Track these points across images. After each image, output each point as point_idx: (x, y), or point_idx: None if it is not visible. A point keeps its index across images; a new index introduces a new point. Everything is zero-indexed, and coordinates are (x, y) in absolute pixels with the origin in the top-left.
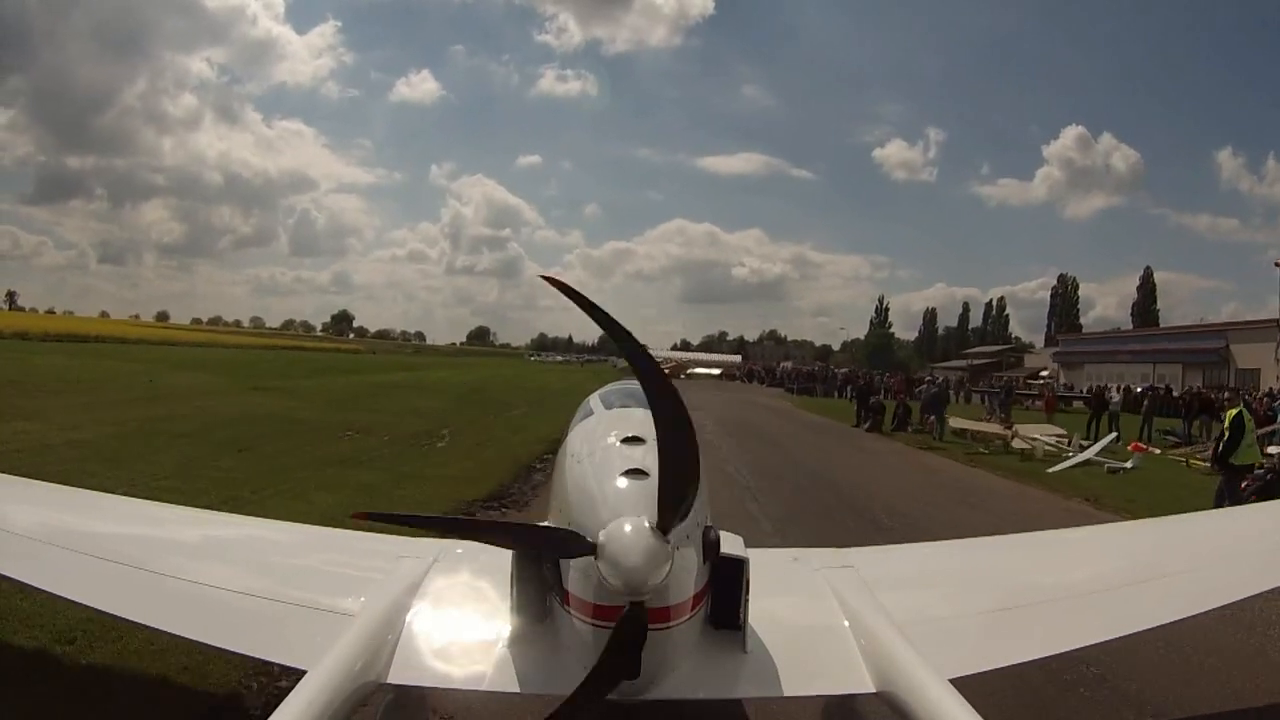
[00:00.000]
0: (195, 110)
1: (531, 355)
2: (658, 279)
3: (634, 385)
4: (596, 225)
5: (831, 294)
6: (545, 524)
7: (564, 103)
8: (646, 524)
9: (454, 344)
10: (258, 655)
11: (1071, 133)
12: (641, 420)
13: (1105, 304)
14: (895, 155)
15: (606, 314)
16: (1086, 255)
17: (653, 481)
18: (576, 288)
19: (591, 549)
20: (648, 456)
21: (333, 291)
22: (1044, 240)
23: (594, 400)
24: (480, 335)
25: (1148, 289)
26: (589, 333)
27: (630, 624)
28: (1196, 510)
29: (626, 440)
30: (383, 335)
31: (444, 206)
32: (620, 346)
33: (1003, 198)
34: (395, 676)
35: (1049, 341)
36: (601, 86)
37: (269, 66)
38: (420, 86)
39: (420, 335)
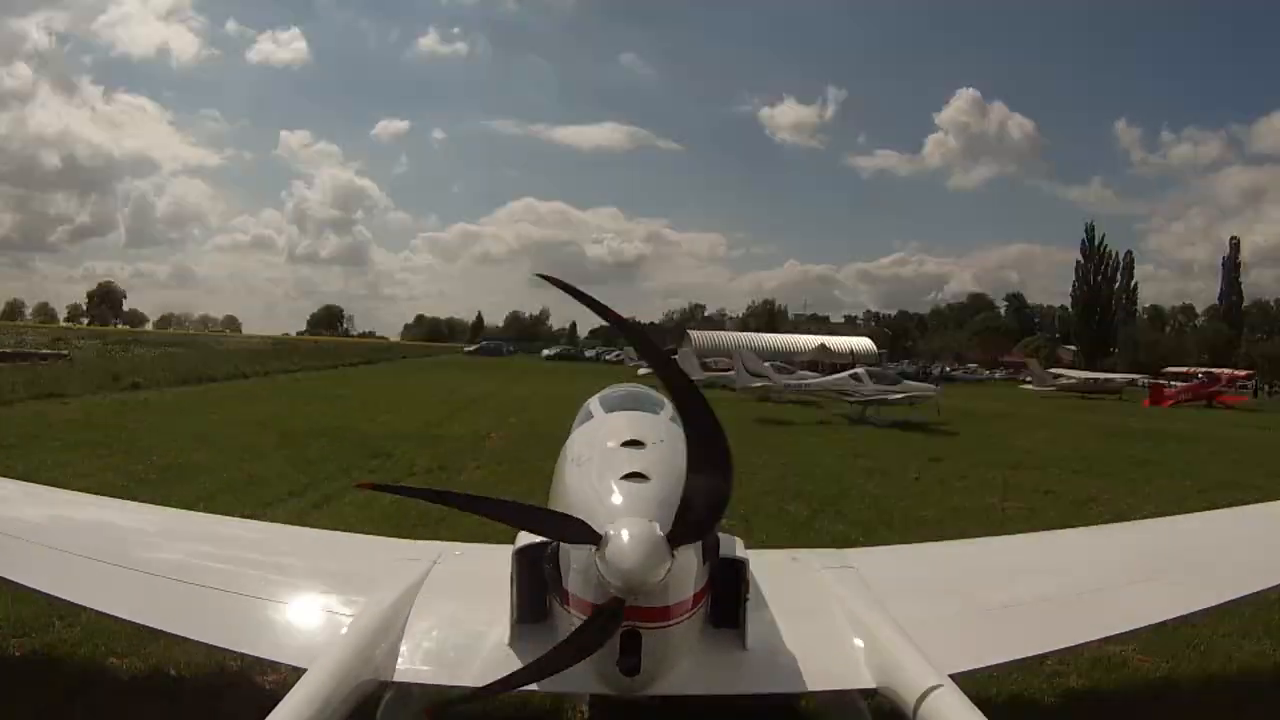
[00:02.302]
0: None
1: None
2: (505, 261)
3: (635, 388)
4: (448, 205)
5: (686, 274)
6: (540, 549)
7: (439, 67)
8: (654, 527)
9: (287, 334)
10: (258, 655)
11: (962, 100)
12: (642, 424)
13: (961, 280)
14: (780, 119)
15: (621, 317)
16: (963, 226)
17: (653, 485)
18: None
19: (596, 539)
20: (648, 460)
21: (172, 286)
22: (922, 212)
23: (594, 403)
24: (328, 320)
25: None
26: (493, 313)
27: (604, 618)
28: None
29: (627, 444)
30: (167, 321)
31: (289, 188)
32: (638, 349)
33: (880, 167)
34: (394, 676)
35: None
36: (482, 50)
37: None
38: (290, 45)
39: (232, 320)
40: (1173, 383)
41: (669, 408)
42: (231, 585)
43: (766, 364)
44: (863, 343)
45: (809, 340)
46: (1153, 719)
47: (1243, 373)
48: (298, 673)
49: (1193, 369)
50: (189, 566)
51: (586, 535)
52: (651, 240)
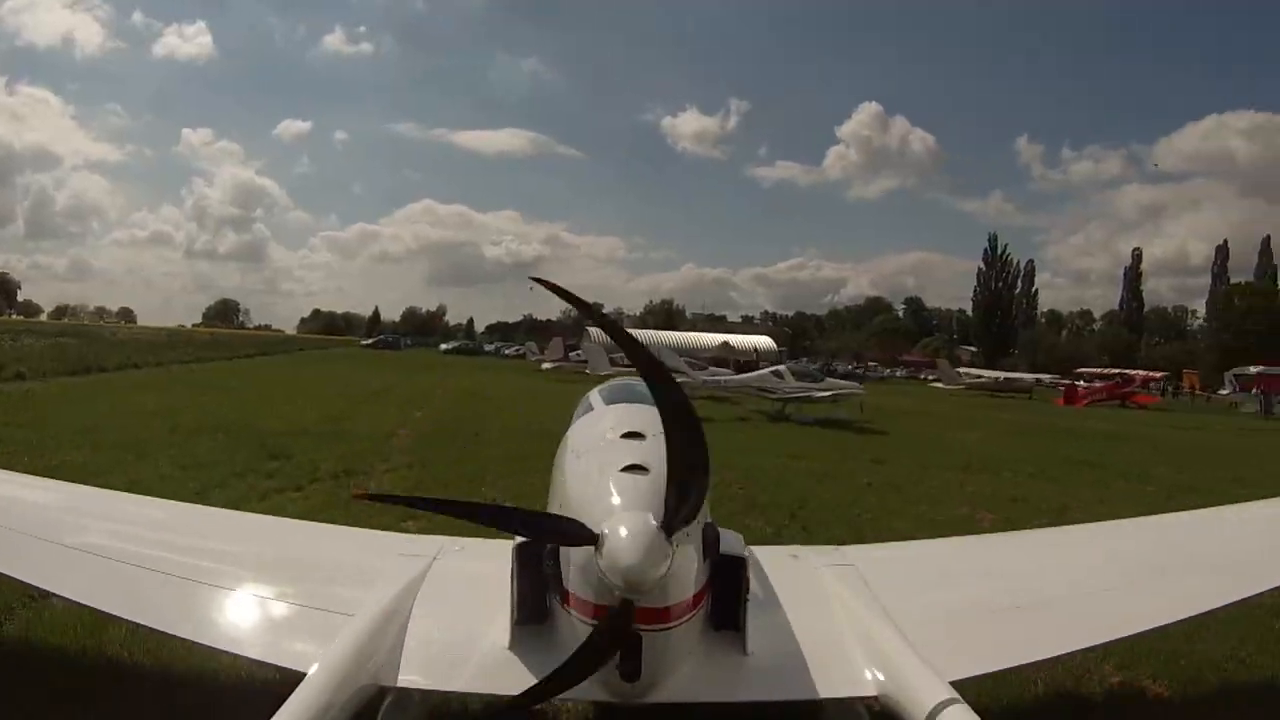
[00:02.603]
0: None
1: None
2: (404, 260)
3: (635, 381)
4: (348, 205)
5: (583, 275)
6: (547, 511)
7: (344, 67)
8: (650, 520)
9: (182, 326)
10: (256, 657)
11: (864, 114)
12: (642, 415)
13: (858, 284)
14: (681, 129)
15: (603, 314)
16: (861, 235)
17: (653, 477)
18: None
19: (593, 539)
20: (648, 452)
21: (70, 279)
22: (821, 221)
23: (594, 395)
24: (224, 314)
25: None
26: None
27: (615, 622)
28: None
29: (627, 435)
30: (62, 312)
31: (189, 185)
32: (620, 344)
33: (781, 178)
34: (394, 678)
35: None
36: (388, 51)
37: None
38: (196, 40)
39: (128, 312)
40: (1084, 382)
41: None
42: (228, 583)
43: (682, 360)
44: (765, 341)
45: (711, 338)
46: None
47: (1157, 374)
48: (296, 675)
49: (1108, 369)
50: (180, 561)
51: (583, 536)
52: (550, 243)
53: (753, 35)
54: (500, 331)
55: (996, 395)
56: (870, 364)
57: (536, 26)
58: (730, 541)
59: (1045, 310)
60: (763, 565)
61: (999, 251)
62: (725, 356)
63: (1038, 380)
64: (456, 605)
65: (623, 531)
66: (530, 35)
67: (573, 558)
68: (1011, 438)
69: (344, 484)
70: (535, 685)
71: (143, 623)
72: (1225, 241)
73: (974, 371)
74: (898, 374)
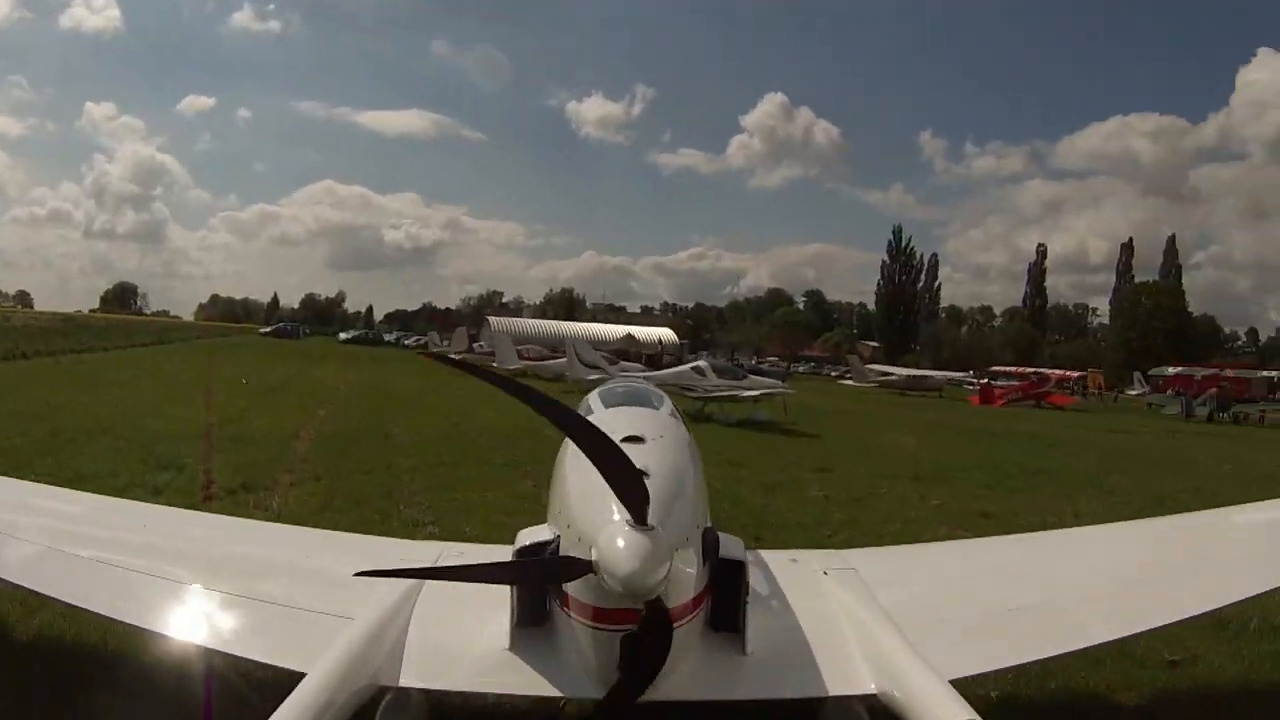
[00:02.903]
0: None
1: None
2: (304, 243)
3: (634, 385)
4: (249, 185)
5: (483, 262)
6: (537, 557)
7: (251, 43)
8: (635, 530)
9: (79, 311)
10: (257, 658)
11: (770, 104)
12: (642, 419)
13: (758, 275)
14: (586, 114)
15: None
16: (762, 225)
17: (654, 481)
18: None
19: (589, 567)
20: (649, 455)
21: None
22: (722, 210)
23: (594, 398)
24: (122, 298)
25: None
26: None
27: (649, 625)
28: None
29: (626, 439)
30: None
31: (90, 161)
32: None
33: (683, 165)
34: (394, 678)
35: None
36: (296, 29)
37: None
38: (104, 12)
39: (24, 295)
40: (999, 381)
41: (668, 403)
42: (230, 587)
43: (600, 354)
44: (668, 334)
45: (615, 330)
46: None
47: (1074, 373)
48: (295, 676)
49: (1023, 368)
50: (183, 565)
51: (579, 567)
52: (450, 227)
53: (661, 21)
54: (400, 320)
55: (906, 394)
56: (770, 359)
57: (446, 7)
58: (729, 545)
59: (945, 306)
60: (763, 568)
61: (903, 244)
62: (630, 349)
63: (949, 379)
64: (456, 608)
65: (614, 547)
66: (440, 16)
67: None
68: (949, 441)
69: (242, 501)
70: (615, 688)
71: (144, 626)
72: (1130, 239)
73: (885, 369)
74: (800, 369)
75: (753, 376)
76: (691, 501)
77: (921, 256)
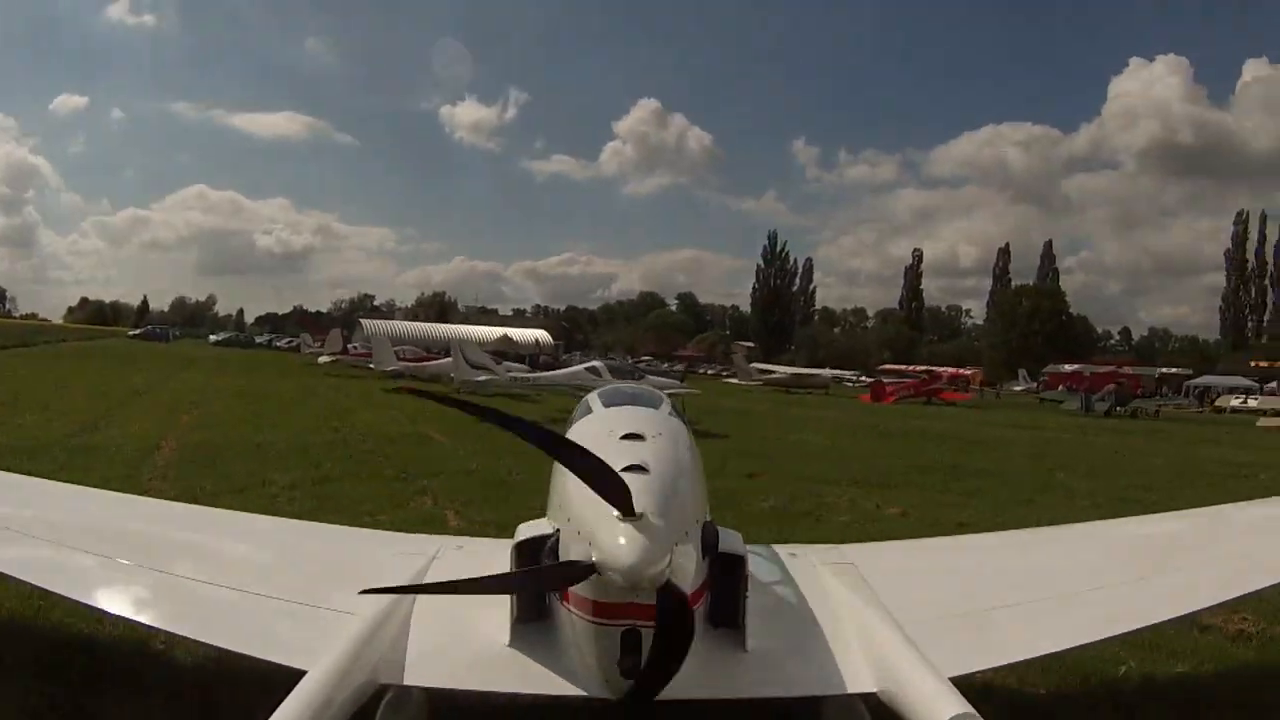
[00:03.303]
0: None
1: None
2: (175, 248)
3: (633, 386)
4: (121, 188)
5: (354, 267)
6: (539, 565)
7: (126, 38)
8: (627, 521)
9: None
10: (257, 655)
11: (643, 110)
12: (640, 417)
13: (629, 279)
14: (460, 118)
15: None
16: (634, 232)
17: (653, 476)
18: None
19: (591, 569)
20: (648, 452)
21: None
22: (594, 216)
23: (593, 398)
24: None
25: None
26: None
27: (666, 611)
28: None
29: (626, 436)
30: None
31: None
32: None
33: (556, 172)
34: (395, 675)
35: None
36: (170, 24)
37: None
38: None
39: None
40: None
41: (667, 403)
42: (229, 582)
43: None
44: (543, 335)
45: (490, 331)
46: None
47: (966, 370)
48: (297, 673)
49: (914, 366)
50: (181, 560)
51: (583, 570)
52: (321, 232)
53: (537, 26)
54: (271, 323)
55: (792, 391)
56: (645, 358)
57: (321, 8)
58: (729, 540)
59: (819, 308)
60: (762, 564)
61: (778, 249)
62: (506, 350)
63: (835, 377)
64: (457, 605)
65: (613, 534)
66: (315, 17)
67: (573, 556)
68: (866, 442)
69: None
70: (639, 682)
71: (143, 621)
72: (1008, 245)
73: (768, 367)
74: (676, 367)
75: (651, 378)
76: (690, 496)
77: (796, 261)
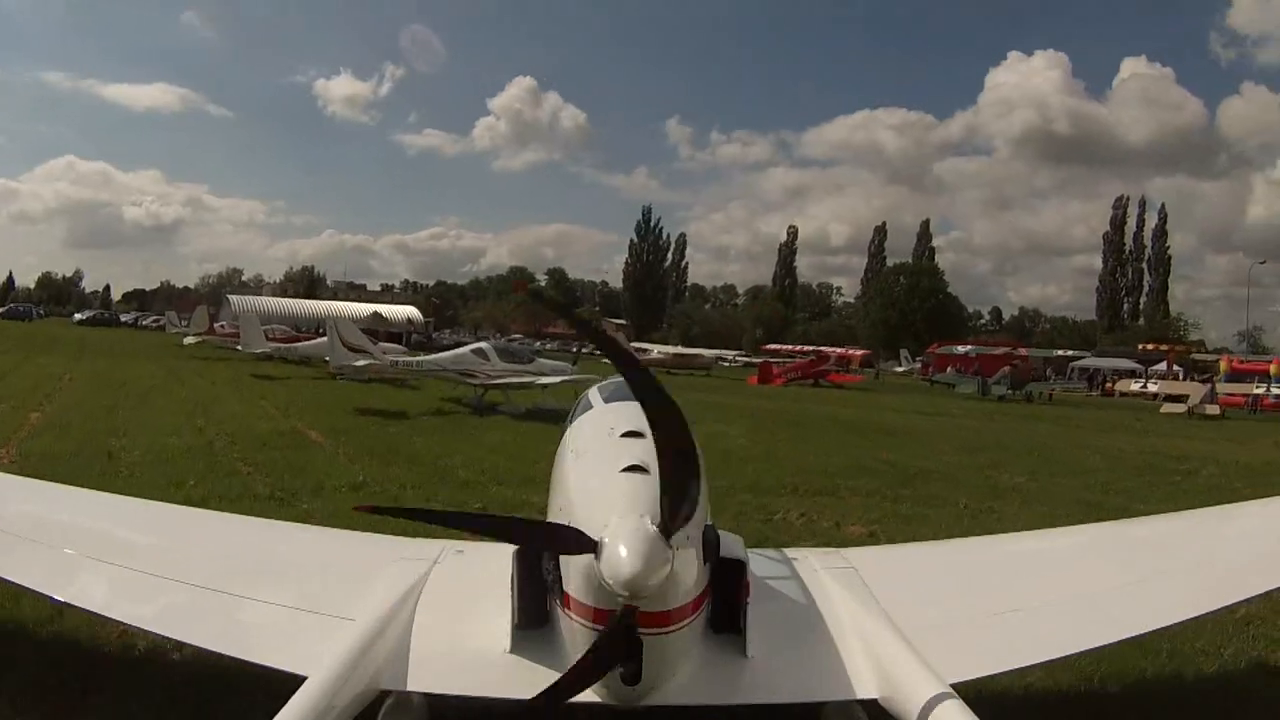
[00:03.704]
0: None
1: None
2: (42, 221)
3: None
4: None
5: (223, 240)
6: (548, 520)
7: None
8: (649, 524)
9: None
10: (256, 660)
11: (518, 87)
12: (641, 415)
13: (497, 254)
14: (334, 92)
15: (585, 319)
16: (504, 206)
17: (654, 477)
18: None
19: (593, 546)
20: (649, 451)
21: None
22: (464, 191)
23: (593, 394)
24: None
25: None
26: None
27: (619, 627)
28: None
29: (627, 435)
30: None
31: None
32: (598, 346)
33: (428, 146)
34: (395, 681)
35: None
36: None
37: None
38: None
39: None
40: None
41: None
42: (228, 587)
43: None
44: (414, 312)
45: (361, 308)
46: None
47: (857, 352)
48: (296, 679)
49: (800, 346)
50: (179, 564)
51: (583, 544)
52: (191, 204)
53: (415, 2)
54: (138, 299)
55: (673, 373)
56: (515, 336)
57: None
58: (730, 545)
59: (689, 284)
60: (762, 569)
61: (651, 224)
62: (378, 328)
63: (719, 357)
64: (457, 609)
65: (623, 538)
66: None
67: (573, 562)
68: (779, 433)
69: None
70: (543, 692)
71: (142, 626)
72: (884, 223)
73: (648, 346)
74: (548, 346)
75: (542, 360)
76: None
77: (668, 236)
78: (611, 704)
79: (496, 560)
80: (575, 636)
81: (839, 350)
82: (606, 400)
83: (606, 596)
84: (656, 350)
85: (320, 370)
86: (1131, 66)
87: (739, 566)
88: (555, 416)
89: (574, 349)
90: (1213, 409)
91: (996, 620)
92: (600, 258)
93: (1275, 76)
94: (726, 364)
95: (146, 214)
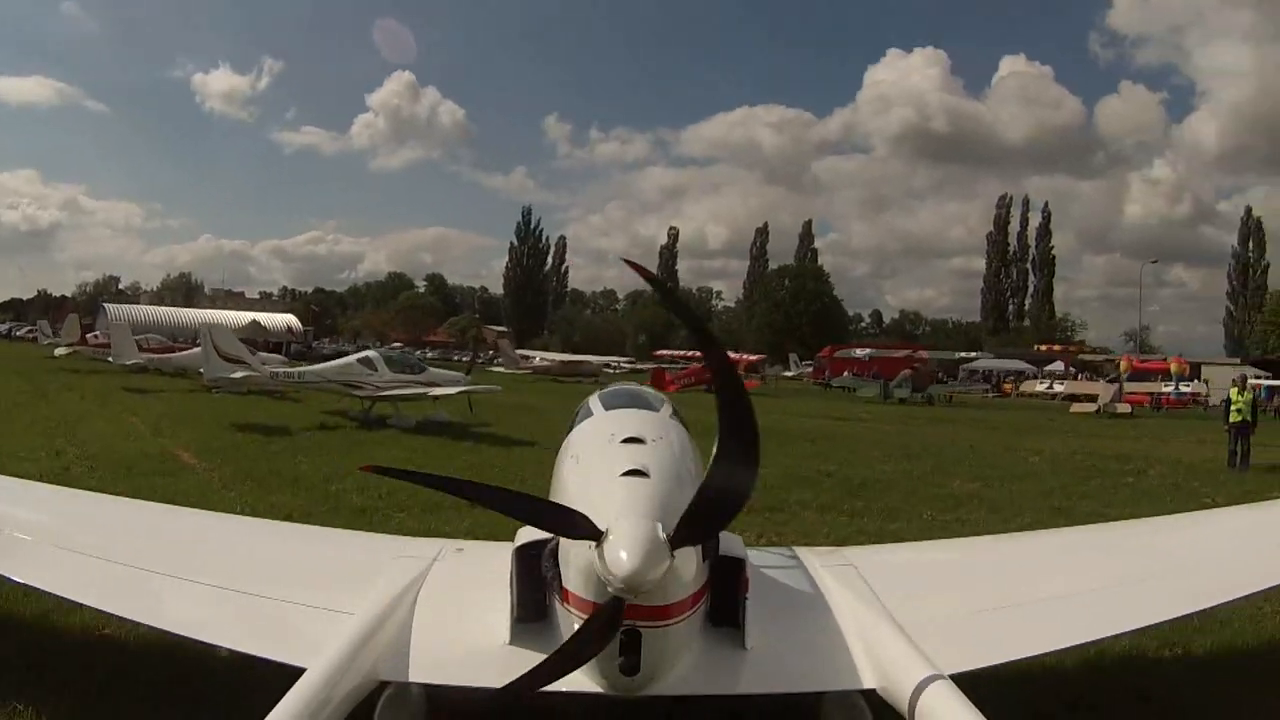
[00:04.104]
0: None
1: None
2: None
3: (633, 387)
4: None
5: (101, 245)
6: (556, 502)
7: None
8: (652, 525)
9: None
10: (258, 654)
11: (397, 82)
12: (642, 421)
13: (375, 260)
14: (213, 86)
15: (687, 307)
16: (382, 208)
17: (654, 481)
18: None
19: (598, 535)
20: (648, 456)
21: None
22: (342, 192)
23: (594, 401)
24: None
25: None
26: None
27: (605, 615)
28: None
29: (627, 440)
30: None
31: None
32: (698, 344)
33: (306, 144)
34: (394, 674)
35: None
36: None
37: None
38: None
39: None
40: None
41: (669, 405)
42: (231, 583)
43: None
44: (294, 320)
45: (239, 316)
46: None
47: (754, 356)
48: (297, 671)
49: (691, 352)
50: (184, 562)
51: (588, 530)
52: (68, 208)
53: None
54: (14, 309)
55: (560, 380)
56: (395, 345)
57: None
58: (729, 542)
59: (569, 289)
60: (762, 565)
61: (532, 227)
62: (257, 338)
63: (606, 364)
64: (456, 604)
65: (626, 535)
66: None
67: (573, 558)
68: (700, 442)
69: None
70: (527, 673)
71: (145, 622)
72: (766, 224)
73: (538, 354)
74: (429, 354)
75: (433, 370)
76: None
77: (548, 239)
78: (612, 694)
79: (496, 558)
80: (574, 630)
81: (735, 355)
82: (607, 408)
83: (606, 591)
84: (540, 358)
85: (196, 382)
86: (1011, 64)
87: (738, 564)
88: (451, 430)
89: (467, 358)
90: (1123, 408)
91: (994, 615)
92: (478, 262)
93: (1153, 76)
94: (612, 371)
95: (23, 217)
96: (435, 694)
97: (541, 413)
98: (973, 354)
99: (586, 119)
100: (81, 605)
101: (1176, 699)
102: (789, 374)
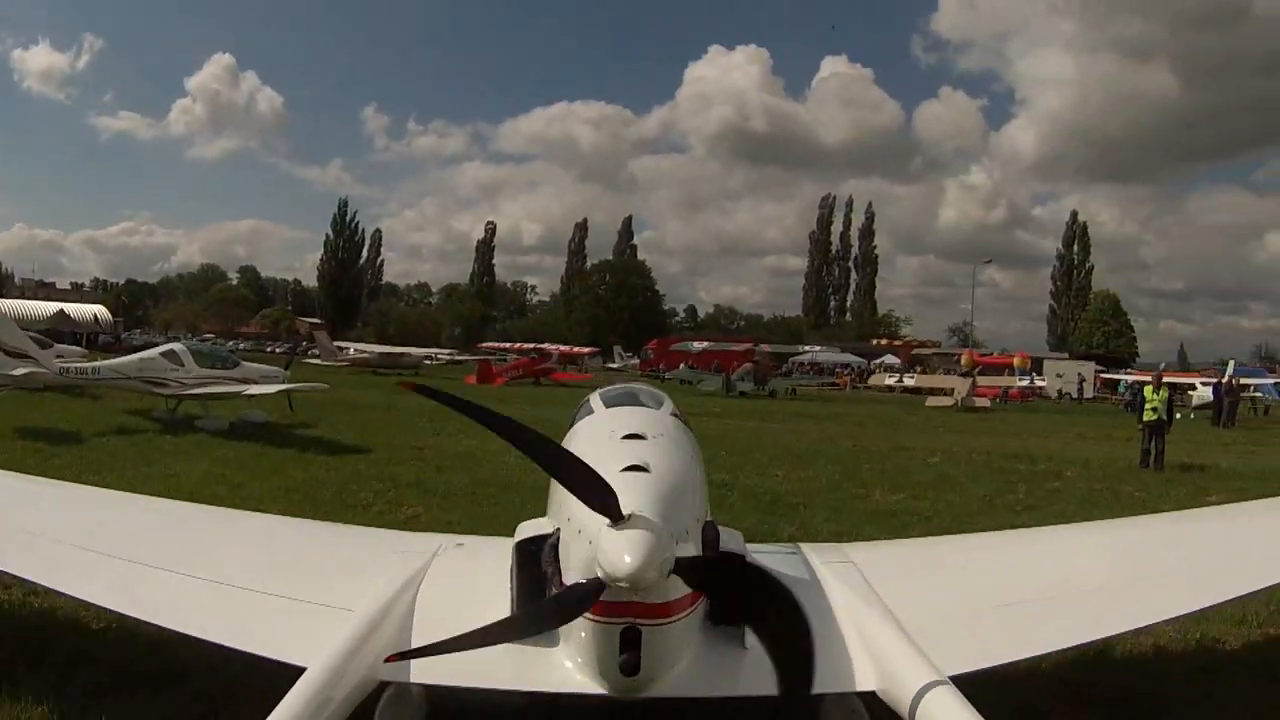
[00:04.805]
0: None
1: None
2: None
3: (634, 386)
4: None
5: None
6: (541, 605)
7: None
8: (620, 527)
9: None
10: (257, 652)
11: (217, 65)
12: (641, 417)
13: (188, 252)
14: (31, 64)
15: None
16: (196, 199)
17: (654, 477)
18: None
19: (619, 515)
20: (649, 452)
21: None
22: (157, 181)
23: (594, 398)
24: None
25: None
26: None
27: (580, 593)
28: None
29: (627, 436)
30: None
31: None
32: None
33: (122, 130)
34: (395, 672)
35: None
36: None
37: None
38: None
39: None
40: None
41: (669, 403)
42: (230, 580)
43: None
44: (102, 311)
45: (45, 307)
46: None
47: (584, 350)
48: (296, 670)
49: (520, 345)
50: (181, 558)
51: (609, 508)
52: None
53: None
54: None
55: (379, 373)
56: (207, 336)
57: None
58: (729, 540)
59: (384, 282)
60: (763, 563)
61: (348, 219)
62: (64, 329)
63: (428, 356)
64: (456, 600)
65: (620, 542)
66: None
67: (573, 553)
68: None
69: None
70: (479, 630)
71: (143, 618)
72: (585, 220)
73: (355, 346)
74: (242, 346)
75: (247, 365)
76: (691, 496)
77: (364, 232)
78: (612, 694)
79: (496, 553)
80: (573, 627)
81: (561, 348)
82: (607, 405)
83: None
84: (355, 349)
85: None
86: (832, 65)
87: (738, 561)
88: (269, 434)
89: (284, 350)
90: (982, 401)
91: (994, 614)
92: (292, 255)
93: (973, 82)
94: (431, 363)
95: None
96: (436, 694)
97: (367, 409)
98: (807, 348)
99: (405, 110)
100: (78, 601)
101: (1177, 699)
102: (614, 365)
